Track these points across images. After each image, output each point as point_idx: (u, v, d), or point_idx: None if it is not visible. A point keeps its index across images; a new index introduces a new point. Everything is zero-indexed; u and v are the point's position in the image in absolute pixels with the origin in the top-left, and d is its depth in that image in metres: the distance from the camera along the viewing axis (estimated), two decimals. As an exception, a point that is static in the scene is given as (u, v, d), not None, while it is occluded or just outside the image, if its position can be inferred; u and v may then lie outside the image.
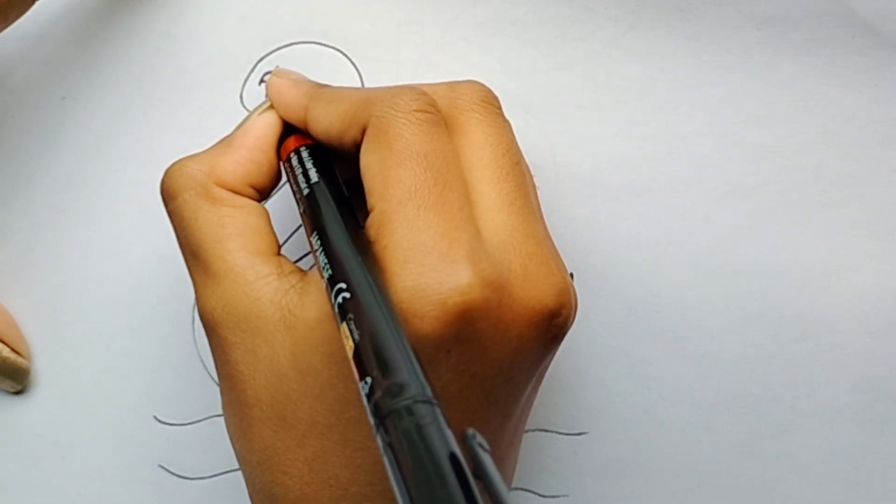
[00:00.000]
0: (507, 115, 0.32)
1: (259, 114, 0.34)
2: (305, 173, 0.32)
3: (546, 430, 0.37)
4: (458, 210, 0.29)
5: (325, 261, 0.29)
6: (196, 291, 0.31)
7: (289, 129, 0.34)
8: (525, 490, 0.38)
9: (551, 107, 0.37)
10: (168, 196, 0.32)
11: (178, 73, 0.38)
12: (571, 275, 0.37)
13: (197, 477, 0.39)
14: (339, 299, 0.27)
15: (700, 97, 0.36)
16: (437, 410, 0.24)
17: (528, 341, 0.30)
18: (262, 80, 0.38)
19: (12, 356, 0.39)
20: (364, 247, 0.29)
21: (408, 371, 0.25)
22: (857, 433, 0.36)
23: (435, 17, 0.37)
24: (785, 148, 0.36)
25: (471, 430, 0.23)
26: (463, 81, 0.32)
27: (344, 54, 0.37)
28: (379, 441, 0.23)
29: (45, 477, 0.40)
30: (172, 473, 0.39)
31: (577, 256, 0.37)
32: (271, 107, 0.34)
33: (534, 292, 0.29)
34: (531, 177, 0.34)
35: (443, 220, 0.28)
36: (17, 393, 0.40)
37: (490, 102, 0.32)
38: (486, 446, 0.23)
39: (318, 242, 0.29)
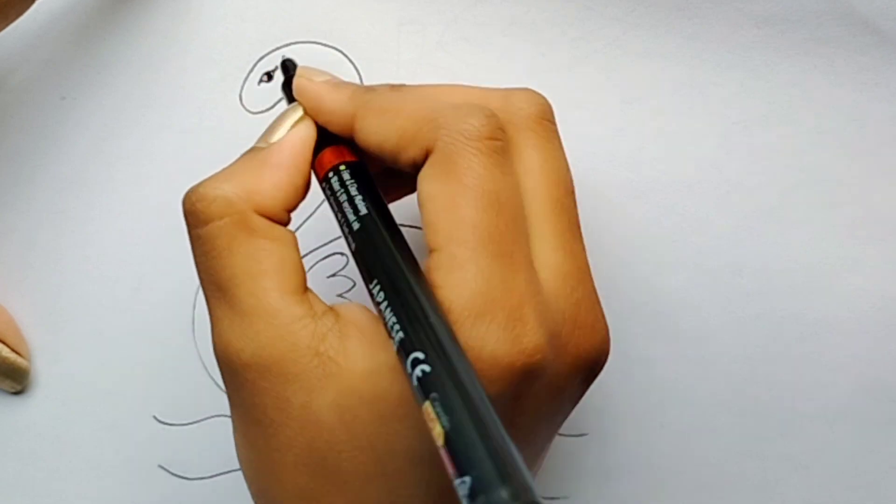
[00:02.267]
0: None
1: (293, 124, 0.30)
2: (352, 201, 0.28)
3: (546, 431, 0.37)
4: (523, 258, 0.27)
5: (395, 320, 0.26)
6: (217, 327, 0.29)
7: (323, 139, 0.30)
8: (525, 490, 0.38)
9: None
10: (196, 220, 0.29)
11: (177, 73, 0.38)
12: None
13: (197, 477, 0.39)
14: (419, 372, 0.24)
15: (700, 97, 0.36)
16: None
17: (571, 388, 0.29)
18: (261, 80, 0.38)
19: (12, 356, 0.39)
20: (430, 298, 0.26)
21: (515, 468, 0.22)
22: (857, 434, 0.36)
23: (435, 17, 0.37)
24: (785, 148, 0.36)
25: None
26: (519, 91, 0.30)
27: (344, 54, 0.37)
28: None
29: (45, 477, 0.40)
30: (172, 473, 0.39)
31: (576, 256, 0.36)
32: (305, 115, 0.31)
33: (582, 342, 0.28)
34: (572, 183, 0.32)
35: (512, 271, 0.27)
36: (17, 393, 0.40)
37: (548, 119, 0.30)
38: None
39: (383, 295, 0.26)
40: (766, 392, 0.36)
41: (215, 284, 0.29)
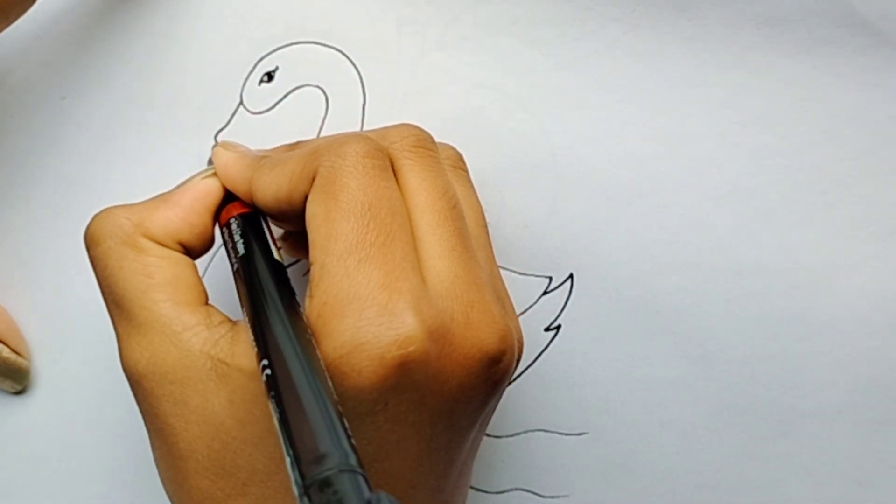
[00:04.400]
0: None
1: (202, 178, 0.33)
2: (234, 246, 0.32)
3: (546, 431, 0.37)
4: (400, 260, 0.29)
5: (252, 336, 0.29)
6: (119, 343, 0.31)
7: (230, 197, 0.33)
8: (525, 490, 0.38)
9: (551, 107, 0.37)
10: (92, 242, 0.32)
11: (177, 73, 0.38)
12: (571, 276, 0.37)
13: (197, 477, 0.39)
14: (264, 376, 0.27)
15: (700, 97, 0.36)
16: (360, 478, 0.24)
17: (469, 388, 0.30)
18: (262, 81, 0.38)
19: (12, 356, 0.39)
20: (294, 313, 0.29)
21: (331, 441, 0.25)
22: (857, 434, 0.36)
23: (435, 17, 0.37)
24: (785, 148, 0.36)
25: (374, 496, 0.23)
26: (394, 126, 0.33)
27: (344, 54, 0.37)
28: None
29: (45, 477, 0.40)
30: (172, 473, 0.39)
31: (577, 256, 0.37)
32: (215, 173, 0.34)
33: (475, 340, 0.29)
34: (482, 213, 0.34)
35: (384, 271, 0.28)
36: (17, 393, 0.40)
37: (422, 146, 0.32)
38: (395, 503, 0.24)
39: (247, 317, 0.29)
40: (766, 391, 0.36)
41: (113, 302, 0.31)
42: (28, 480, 0.40)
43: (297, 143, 0.34)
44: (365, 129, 0.37)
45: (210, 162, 0.35)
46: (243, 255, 0.31)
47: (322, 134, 0.38)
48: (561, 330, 0.37)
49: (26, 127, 0.39)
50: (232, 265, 0.32)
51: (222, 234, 0.33)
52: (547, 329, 0.37)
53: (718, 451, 0.37)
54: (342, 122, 0.37)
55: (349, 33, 0.37)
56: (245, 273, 0.31)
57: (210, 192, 0.33)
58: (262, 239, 0.32)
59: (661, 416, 0.37)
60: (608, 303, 0.37)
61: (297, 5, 0.37)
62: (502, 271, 0.36)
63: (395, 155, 0.31)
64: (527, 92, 0.37)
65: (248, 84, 0.38)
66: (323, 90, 0.38)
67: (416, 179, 0.31)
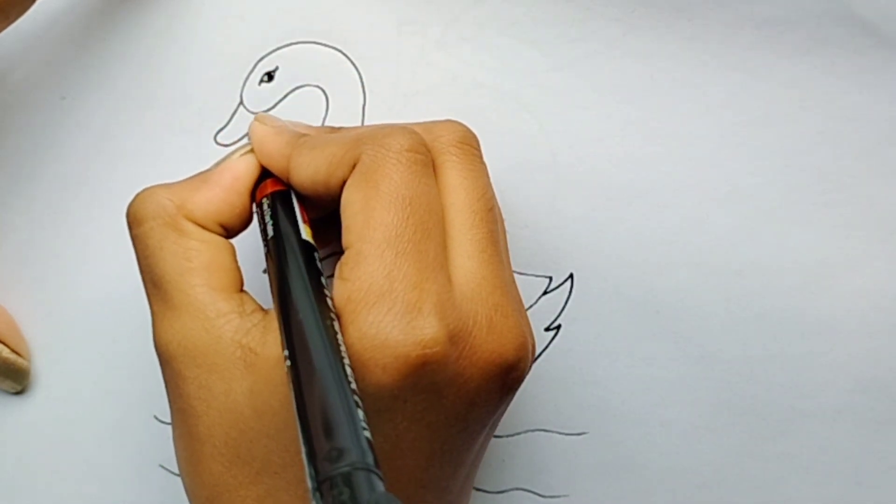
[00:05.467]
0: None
1: (240, 155, 0.33)
2: (265, 226, 0.32)
3: (546, 430, 0.38)
4: (432, 259, 0.29)
5: (276, 324, 0.29)
6: (154, 321, 0.31)
7: (267, 173, 0.33)
8: (525, 490, 0.38)
9: (551, 107, 0.37)
10: (134, 221, 0.32)
11: (177, 73, 0.38)
12: (571, 276, 0.37)
13: (197, 477, 0.39)
14: (287, 363, 0.27)
15: (700, 97, 0.36)
16: (374, 478, 0.24)
17: (485, 392, 0.30)
18: (262, 81, 0.38)
19: (12, 356, 0.39)
20: (321, 298, 0.29)
21: (349, 437, 0.25)
22: (857, 434, 0.36)
23: (435, 17, 0.37)
24: (785, 148, 0.36)
25: (384, 498, 0.23)
26: (441, 122, 0.33)
27: (344, 54, 0.37)
28: None
29: (46, 477, 0.40)
30: (172, 473, 0.39)
31: (577, 256, 0.37)
32: (252, 150, 0.34)
33: (495, 345, 0.30)
34: (502, 221, 0.34)
35: (417, 268, 0.29)
36: (17, 393, 0.40)
37: (468, 143, 0.32)
38: None
39: (274, 303, 0.30)
40: (766, 391, 0.36)
41: (151, 281, 0.31)
42: (28, 480, 0.40)
43: (340, 128, 0.34)
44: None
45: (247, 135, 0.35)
46: (273, 236, 0.31)
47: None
48: (561, 330, 0.37)
49: (26, 127, 0.39)
50: (265, 243, 0.32)
51: (256, 213, 0.33)
52: (547, 329, 0.37)
53: (718, 451, 0.37)
54: (342, 122, 0.37)
55: (349, 33, 0.37)
56: (275, 252, 0.31)
57: (249, 170, 0.33)
58: (293, 219, 0.32)
59: (662, 415, 0.37)
60: (608, 303, 0.37)
61: (297, 5, 0.37)
62: (502, 271, 0.36)
63: (438, 150, 0.32)
64: (527, 92, 0.37)
65: (248, 84, 0.38)
66: (323, 90, 0.38)
67: (457, 178, 0.31)
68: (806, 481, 0.37)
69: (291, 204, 0.32)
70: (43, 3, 0.37)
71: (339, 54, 0.37)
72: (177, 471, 0.39)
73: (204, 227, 0.32)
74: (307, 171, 0.31)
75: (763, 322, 0.36)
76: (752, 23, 0.35)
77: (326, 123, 0.38)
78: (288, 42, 0.38)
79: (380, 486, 0.24)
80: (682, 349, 0.37)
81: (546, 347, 0.37)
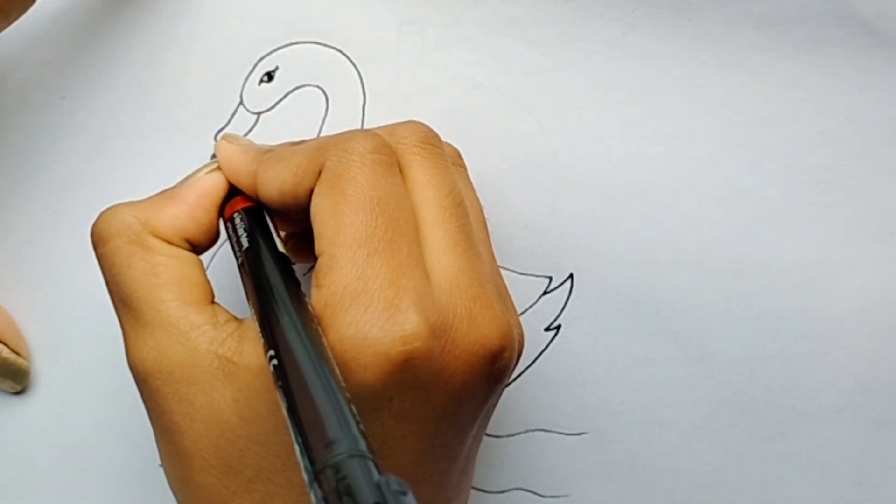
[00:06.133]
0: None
1: (206, 172, 0.33)
2: (238, 240, 0.32)
3: (546, 430, 0.37)
4: (406, 255, 0.29)
5: (258, 328, 0.29)
6: (126, 341, 0.31)
7: (234, 191, 0.33)
8: (525, 490, 0.38)
9: (551, 107, 0.37)
10: (99, 240, 0.32)
11: (177, 73, 0.38)
12: (571, 276, 0.37)
13: (197, 477, 0.39)
14: (272, 366, 0.27)
15: (700, 97, 0.36)
16: (370, 463, 0.24)
17: (472, 384, 0.30)
18: (262, 81, 0.38)
19: (12, 356, 0.39)
20: (300, 303, 0.29)
21: (340, 427, 0.25)
22: (857, 434, 0.36)
23: (435, 17, 0.37)
24: (785, 148, 0.36)
25: (383, 479, 0.23)
26: (403, 123, 0.33)
27: (344, 54, 0.37)
28: (312, 498, 0.24)
29: (46, 477, 0.40)
30: (172, 473, 0.39)
31: (577, 256, 0.37)
32: (219, 167, 0.34)
33: (477, 336, 0.29)
34: (481, 211, 0.34)
35: (391, 266, 0.29)
36: (17, 393, 0.40)
37: (429, 143, 0.32)
38: (404, 487, 0.24)
39: (253, 309, 0.30)
40: (766, 391, 0.36)
41: (120, 300, 0.31)
42: (28, 480, 0.40)
43: (301, 140, 0.34)
44: (366, 128, 0.37)
45: (213, 156, 0.35)
46: (248, 248, 0.31)
47: (322, 134, 0.38)
48: (561, 330, 0.37)
49: (26, 127, 0.39)
50: (237, 258, 0.32)
51: (226, 228, 0.33)
52: (547, 329, 0.37)
53: (718, 451, 0.37)
54: (342, 122, 0.37)
55: (349, 33, 0.37)
56: (250, 265, 0.31)
57: (215, 186, 0.33)
58: (267, 232, 0.32)
59: (661, 415, 0.37)
60: (608, 303, 0.37)
61: (297, 5, 0.37)
62: (502, 271, 0.36)
63: (402, 151, 0.32)
64: (527, 92, 0.37)
65: (248, 84, 0.38)
66: (323, 90, 0.38)
67: (423, 176, 0.31)
68: (806, 481, 0.37)
69: (263, 218, 0.33)
70: (43, 3, 0.37)
71: (339, 54, 0.37)
72: (177, 471, 0.39)
73: (170, 243, 0.32)
74: (274, 183, 0.31)
75: (763, 322, 0.36)
76: (752, 22, 0.35)
77: (326, 123, 0.38)
78: (288, 42, 0.38)
79: (375, 470, 0.24)
80: (682, 349, 0.37)
81: (546, 347, 0.37)
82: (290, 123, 0.38)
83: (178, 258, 0.31)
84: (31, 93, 0.39)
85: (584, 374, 0.37)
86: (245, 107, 0.38)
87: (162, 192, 0.33)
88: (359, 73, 0.37)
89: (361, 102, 0.37)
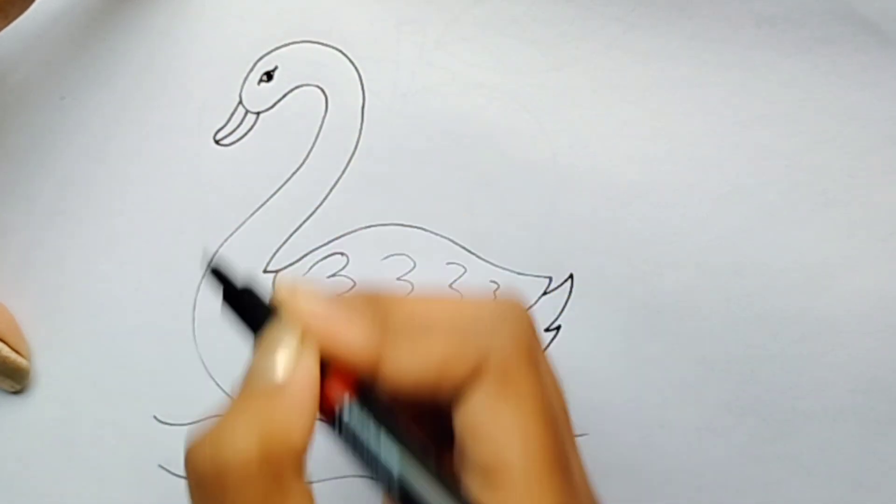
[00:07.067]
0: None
1: (293, 351, 0.25)
2: (365, 450, 0.25)
3: (546, 431, 0.37)
4: (577, 467, 0.27)
5: None
6: None
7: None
8: (525, 490, 0.38)
9: (551, 107, 0.37)
10: (203, 477, 0.24)
11: (178, 73, 0.38)
12: (571, 276, 0.37)
13: (197, 477, 0.39)
14: None
15: (700, 97, 0.36)
16: None
17: None
18: (261, 80, 0.38)
19: (12, 356, 0.39)
20: None
21: None
22: (858, 434, 0.36)
23: (435, 17, 0.37)
24: (785, 148, 0.36)
25: None
26: (506, 305, 0.27)
27: (344, 54, 0.37)
28: None
29: (45, 477, 0.40)
30: (172, 473, 0.39)
31: (577, 256, 0.36)
32: (303, 340, 0.25)
33: None
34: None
35: (572, 487, 0.26)
36: (17, 393, 0.40)
37: (536, 348, 0.27)
38: None
39: None
40: (766, 392, 0.36)
41: None
42: (28, 480, 0.40)
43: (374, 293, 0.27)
44: (364, 129, 0.37)
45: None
46: (404, 469, 0.24)
47: (321, 134, 0.38)
48: (561, 330, 0.37)
49: (26, 127, 0.39)
50: (373, 472, 0.25)
51: (331, 426, 0.25)
52: (547, 329, 0.37)
53: (719, 452, 0.37)
54: (342, 121, 0.37)
55: (349, 33, 0.37)
56: (412, 489, 0.24)
57: (314, 374, 0.25)
58: (397, 427, 0.25)
59: (662, 416, 0.37)
60: (608, 303, 0.37)
61: (297, 5, 0.37)
62: (502, 271, 0.36)
63: (508, 354, 0.26)
64: (527, 92, 0.37)
65: (247, 83, 0.38)
66: (322, 90, 0.37)
67: (531, 388, 0.27)
68: (807, 482, 0.37)
69: (386, 406, 0.25)
70: (43, 3, 0.37)
71: (339, 54, 0.37)
72: (176, 471, 0.39)
73: (300, 477, 0.24)
74: (412, 369, 0.25)
75: (763, 322, 0.36)
76: (752, 21, 0.35)
77: (326, 123, 0.38)
78: (287, 42, 0.38)
79: None
80: (683, 350, 0.36)
81: (546, 348, 0.37)
82: (289, 123, 0.38)
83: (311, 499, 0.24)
84: (31, 93, 0.39)
85: (584, 374, 0.37)
86: (244, 106, 0.38)
87: (261, 394, 0.25)
88: (358, 73, 0.37)
89: (361, 102, 0.37)
